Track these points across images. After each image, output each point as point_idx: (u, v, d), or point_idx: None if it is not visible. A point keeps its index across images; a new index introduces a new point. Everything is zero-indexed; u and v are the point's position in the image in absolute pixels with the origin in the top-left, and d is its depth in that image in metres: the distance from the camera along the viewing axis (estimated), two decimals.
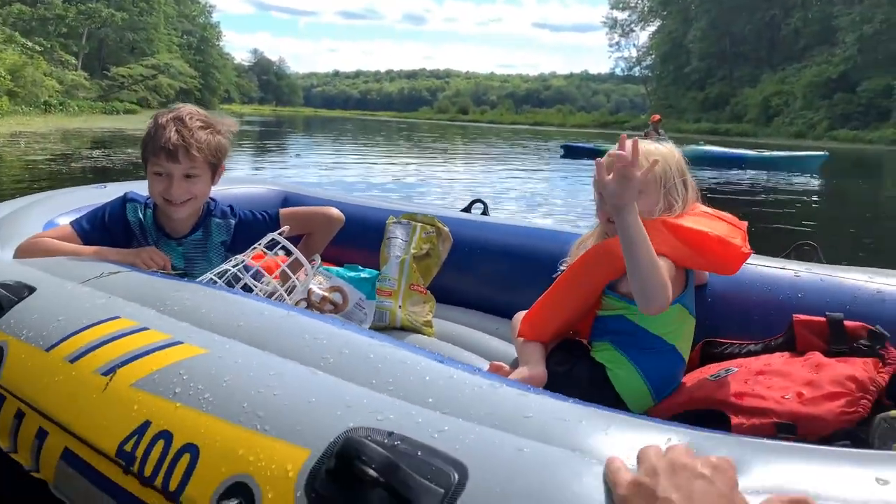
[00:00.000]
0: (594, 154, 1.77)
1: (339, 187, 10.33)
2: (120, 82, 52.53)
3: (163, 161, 2.06)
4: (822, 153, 18.62)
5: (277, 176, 11.52)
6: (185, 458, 1.14)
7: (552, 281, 1.99)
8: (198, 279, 2.03)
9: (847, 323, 1.82)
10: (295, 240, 2.27)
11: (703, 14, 71.09)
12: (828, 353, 1.78)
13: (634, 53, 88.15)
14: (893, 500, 0.87)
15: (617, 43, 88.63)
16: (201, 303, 1.59)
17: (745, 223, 1.89)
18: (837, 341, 1.81)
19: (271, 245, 2.17)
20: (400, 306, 2.50)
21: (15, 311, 1.65)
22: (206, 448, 1.13)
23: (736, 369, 1.79)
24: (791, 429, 1.51)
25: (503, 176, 14.54)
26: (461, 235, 2.75)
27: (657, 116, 16.93)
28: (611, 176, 1.66)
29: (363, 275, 2.69)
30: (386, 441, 0.99)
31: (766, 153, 19.09)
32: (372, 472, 0.92)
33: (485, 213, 3.24)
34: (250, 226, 2.31)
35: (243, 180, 3.70)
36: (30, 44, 39.30)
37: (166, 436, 1.18)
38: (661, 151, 1.88)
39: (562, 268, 2.11)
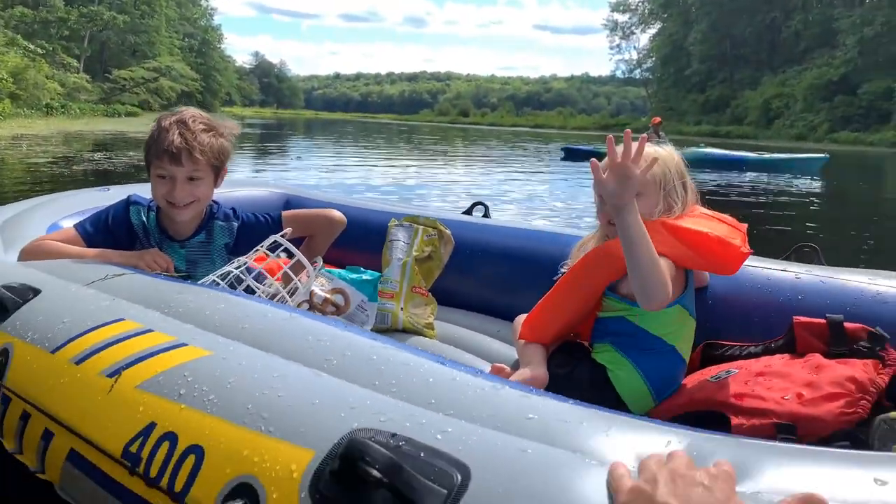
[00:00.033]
0: (594, 156, 1.76)
1: (341, 190, 10.34)
2: (121, 85, 52.51)
3: (166, 164, 2.07)
4: (822, 155, 18.63)
5: (278, 178, 11.53)
6: (191, 459, 1.14)
7: (553, 283, 2.00)
8: (200, 281, 2.04)
9: (847, 325, 1.83)
10: (297, 242, 2.28)
11: (703, 16, 71.13)
12: (828, 355, 1.78)
13: (635, 56, 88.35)
14: (892, 501, 0.87)
15: (617, 45, 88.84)
16: (205, 305, 1.60)
17: (745, 225, 1.90)
18: (837, 343, 1.82)
19: (273, 247, 2.18)
20: (402, 308, 2.51)
21: (20, 313, 1.66)
22: (211, 449, 1.14)
23: (736, 371, 1.80)
24: (791, 429, 1.52)
25: (504, 178, 14.55)
26: (462, 238, 2.76)
27: (657, 119, 16.96)
28: (607, 175, 1.67)
29: (365, 277, 2.70)
30: (389, 442, 1.00)
31: (767, 155, 19.09)
32: (376, 473, 0.92)
33: (486, 215, 3.25)
34: (253, 228, 2.32)
35: (245, 183, 3.71)
36: (32, 46, 39.26)
37: (171, 437, 1.19)
38: (659, 154, 1.90)
39: (562, 270, 2.12)
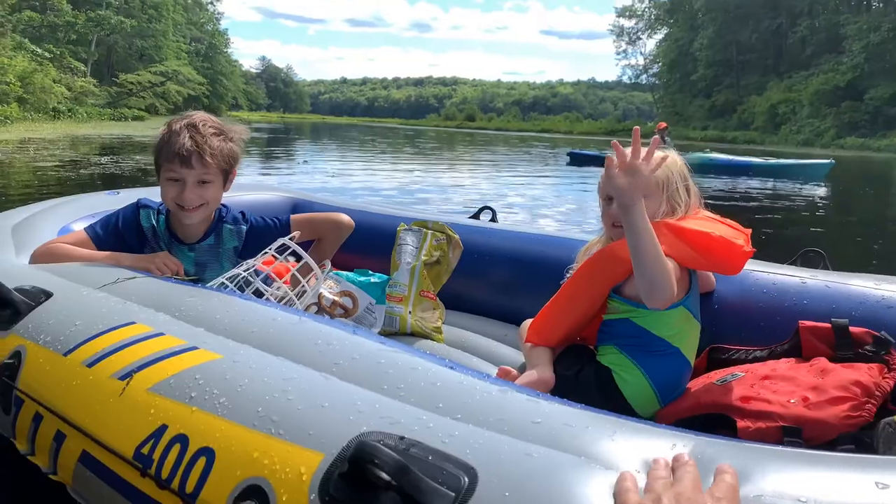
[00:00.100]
0: (599, 161, 1.78)
1: (347, 194, 10.35)
2: (128, 89, 52.63)
3: (177, 167, 2.09)
4: (827, 161, 18.57)
5: (284, 183, 11.55)
6: (201, 461, 1.16)
7: (559, 287, 2.01)
8: (209, 283, 2.06)
9: (852, 329, 1.84)
10: (305, 245, 2.29)
11: (709, 22, 70.97)
12: (833, 359, 1.79)
13: (641, 61, 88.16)
14: None
15: (624, 51, 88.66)
16: (215, 309, 1.62)
17: (749, 230, 1.91)
18: (843, 347, 1.82)
19: (282, 250, 2.20)
20: (410, 312, 2.53)
21: (33, 316, 1.68)
22: (221, 451, 1.15)
23: (742, 374, 1.81)
24: (797, 432, 1.52)
25: (510, 182, 14.56)
26: (470, 242, 2.77)
27: (663, 124, 16.91)
28: (618, 172, 1.70)
29: (373, 279, 2.72)
30: (397, 445, 1.01)
31: (772, 161, 19.05)
32: (384, 476, 0.93)
33: (493, 220, 3.27)
34: (261, 232, 2.34)
35: (254, 187, 3.73)
36: (39, 50, 39.47)
37: (182, 439, 1.21)
38: (662, 157, 1.92)
39: (568, 274, 2.13)
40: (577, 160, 20.91)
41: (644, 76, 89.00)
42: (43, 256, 2.13)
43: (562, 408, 1.15)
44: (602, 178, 1.96)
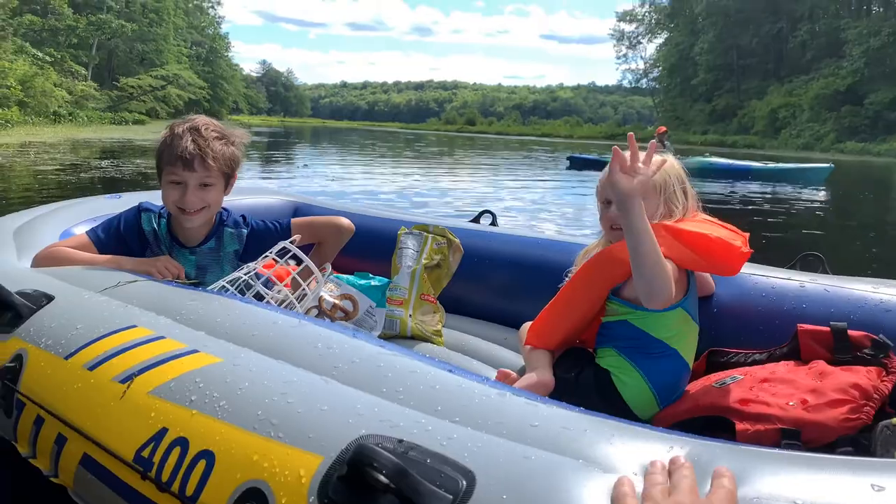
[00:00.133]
0: (599, 165, 1.80)
1: (348, 198, 10.37)
2: (129, 93, 52.73)
3: (179, 170, 2.10)
4: (827, 165, 18.57)
5: (285, 186, 11.56)
6: (202, 464, 1.17)
7: (558, 290, 2.02)
8: (210, 287, 2.06)
9: (851, 332, 1.85)
10: (306, 249, 2.30)
11: (710, 26, 71.06)
12: (832, 362, 1.80)
13: (642, 65, 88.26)
14: None
15: (624, 55, 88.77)
16: (216, 312, 1.62)
17: (747, 234, 1.91)
18: (841, 350, 1.83)
19: (282, 253, 2.20)
20: (410, 315, 2.53)
21: (34, 320, 1.68)
22: (221, 454, 1.16)
23: (741, 377, 1.81)
24: (795, 435, 1.53)
25: (510, 186, 14.57)
26: (470, 246, 2.78)
27: (663, 128, 16.93)
28: (619, 174, 1.71)
29: (373, 282, 2.72)
30: (396, 448, 1.02)
31: (772, 165, 19.05)
32: (383, 479, 0.94)
33: (493, 223, 3.27)
34: (262, 235, 2.34)
35: (255, 191, 3.74)
36: (40, 54, 39.52)
37: (183, 442, 1.21)
38: (661, 160, 1.93)
39: (567, 277, 2.14)
40: (577, 164, 20.92)
41: (644, 80, 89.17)
42: (45, 260, 2.13)
43: (560, 411, 1.16)
44: (600, 181, 1.98)
